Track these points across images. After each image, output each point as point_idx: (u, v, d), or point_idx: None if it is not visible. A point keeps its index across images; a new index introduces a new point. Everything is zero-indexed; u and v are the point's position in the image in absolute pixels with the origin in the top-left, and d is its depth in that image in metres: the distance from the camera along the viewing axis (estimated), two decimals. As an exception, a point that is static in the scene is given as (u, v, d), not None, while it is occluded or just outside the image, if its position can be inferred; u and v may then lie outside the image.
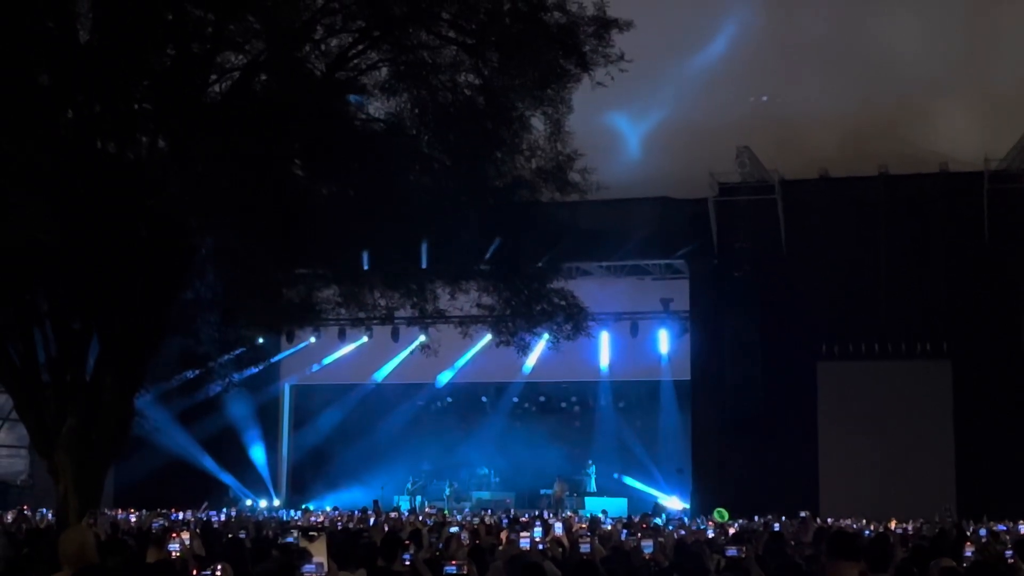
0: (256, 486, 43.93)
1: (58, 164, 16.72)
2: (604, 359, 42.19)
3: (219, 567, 8.72)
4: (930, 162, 38.02)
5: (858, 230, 37.95)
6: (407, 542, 13.52)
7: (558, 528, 17.23)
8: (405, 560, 11.96)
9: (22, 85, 16.88)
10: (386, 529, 20.99)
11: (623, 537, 19.21)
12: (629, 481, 42.53)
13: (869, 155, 38.63)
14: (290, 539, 12.18)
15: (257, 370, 32.08)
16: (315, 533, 7.17)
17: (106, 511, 26.61)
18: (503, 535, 18.50)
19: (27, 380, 19.02)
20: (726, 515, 33.62)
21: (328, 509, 35.81)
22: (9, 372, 19.24)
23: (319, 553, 7.10)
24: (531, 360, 35.77)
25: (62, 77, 17.42)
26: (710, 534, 21.84)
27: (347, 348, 43.82)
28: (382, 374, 44.25)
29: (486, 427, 44.43)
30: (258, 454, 44.08)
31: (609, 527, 23.87)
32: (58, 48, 17.25)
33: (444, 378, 43.33)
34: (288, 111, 17.63)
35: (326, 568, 7.23)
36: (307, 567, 7.52)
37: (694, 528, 25.75)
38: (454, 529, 18.44)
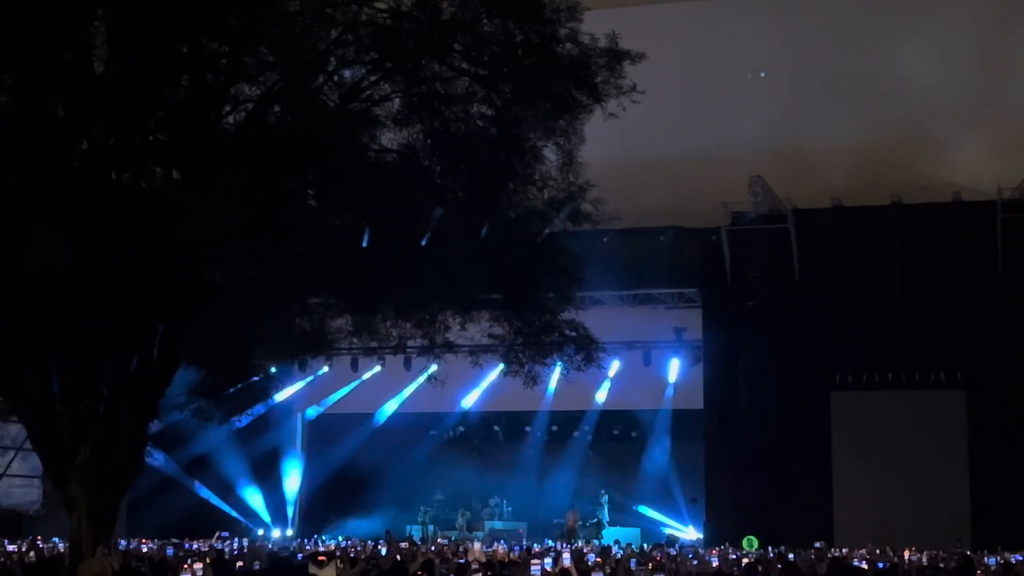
0: (269, 516, 43.94)
1: (73, 195, 16.80)
2: (615, 389, 42.12)
3: None
4: (943, 191, 38.02)
5: (871, 259, 37.94)
6: (420, 572, 13.50)
7: (567, 559, 17.16)
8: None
9: (39, 116, 16.98)
10: (398, 559, 20.95)
11: (632, 566, 19.14)
12: (643, 510, 42.40)
13: (882, 184, 38.64)
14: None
15: (271, 400, 32.09)
16: (323, 558, 7.15)
17: (120, 541, 26.63)
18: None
19: (41, 410, 19.04)
20: (756, 543, 33.50)
21: (340, 539, 35.75)
22: (23, 402, 19.28)
23: None
24: (551, 387, 35.68)
25: (78, 108, 17.52)
26: (715, 563, 21.76)
27: (361, 378, 43.85)
28: (388, 409, 44.31)
29: (498, 456, 44.36)
30: (271, 484, 44.08)
31: (619, 557, 23.80)
32: (74, 80, 17.35)
33: (466, 404, 43.25)
34: (302, 142, 17.71)
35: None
36: None
37: (707, 558, 25.66)
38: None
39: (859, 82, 42.34)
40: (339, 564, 10.74)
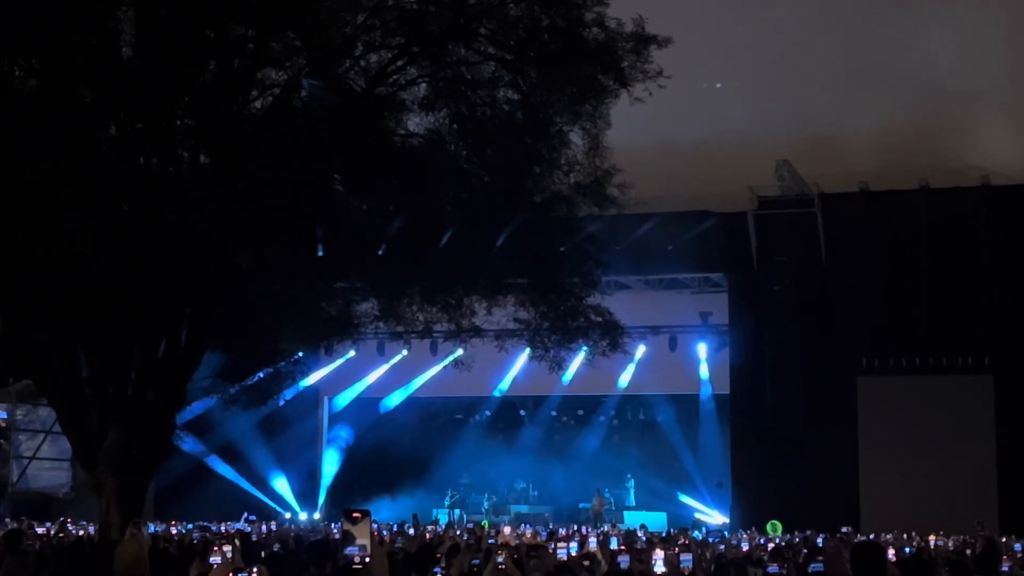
0: (296, 500, 44.11)
1: (100, 181, 16.87)
2: (641, 374, 42.07)
3: (255, 569, 8.68)
4: (971, 176, 37.77)
5: (898, 244, 37.76)
6: (438, 555, 13.51)
7: (592, 543, 17.16)
8: (436, 573, 11.97)
9: (66, 101, 17.05)
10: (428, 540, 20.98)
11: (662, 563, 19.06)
12: (670, 494, 42.35)
13: (909, 168, 38.41)
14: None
15: (297, 384, 32.14)
16: (359, 514, 7.17)
17: (149, 524, 26.79)
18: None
19: (70, 394, 19.17)
20: (780, 527, 33.44)
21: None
22: (52, 386, 19.41)
23: (362, 535, 7.12)
24: (569, 372, 35.64)
25: (105, 93, 17.58)
26: (744, 547, 21.75)
27: (388, 363, 43.96)
28: (414, 395, 44.35)
29: (525, 440, 44.40)
30: (298, 468, 44.22)
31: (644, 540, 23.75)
32: (101, 64, 17.41)
33: (492, 389, 43.21)
34: (328, 127, 17.74)
35: (369, 550, 7.26)
36: (350, 549, 7.47)
37: (734, 542, 25.64)
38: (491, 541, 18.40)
39: (887, 66, 42.12)
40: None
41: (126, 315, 18.53)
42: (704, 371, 41.70)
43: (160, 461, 19.87)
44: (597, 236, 21.10)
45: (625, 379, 42.02)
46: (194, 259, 18.01)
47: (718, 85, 43.29)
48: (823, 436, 37.52)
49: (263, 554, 17.39)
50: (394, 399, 44.87)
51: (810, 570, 10.03)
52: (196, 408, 29.05)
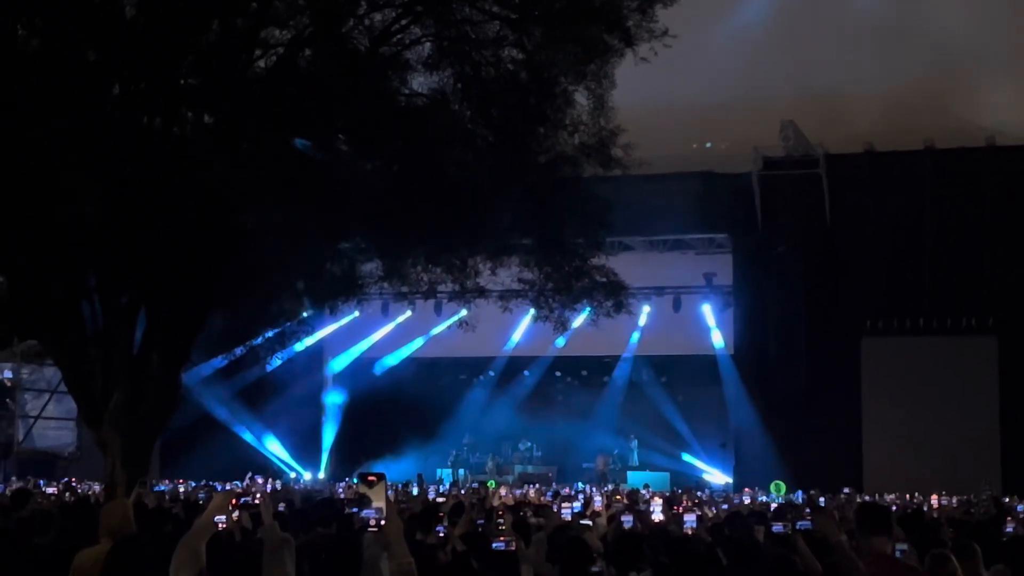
0: (300, 459, 44.26)
1: (105, 140, 16.85)
2: (645, 334, 42.12)
3: (258, 495, 8.66)
4: (976, 136, 37.69)
5: (903, 204, 37.72)
6: (440, 514, 13.53)
7: (598, 501, 17.22)
8: (439, 532, 12.00)
9: (69, 61, 17.00)
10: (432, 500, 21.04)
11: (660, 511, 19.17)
12: (674, 454, 42.46)
13: (915, 129, 38.34)
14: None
15: (301, 344, 32.19)
16: (374, 478, 7.12)
17: (154, 482, 26.90)
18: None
19: (75, 354, 19.18)
20: (783, 488, 33.56)
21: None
22: (58, 346, 19.42)
23: (378, 498, 7.10)
24: (572, 333, 35.63)
25: (108, 53, 17.52)
26: (746, 499, 21.86)
27: (392, 323, 44.05)
28: (419, 354, 44.44)
29: (529, 401, 44.48)
30: (302, 428, 44.34)
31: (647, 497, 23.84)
32: (104, 24, 17.34)
33: (496, 349, 43.21)
34: (332, 86, 17.69)
35: (385, 512, 7.25)
36: (366, 511, 7.43)
37: (736, 502, 25.76)
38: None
39: (892, 26, 41.95)
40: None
41: (131, 275, 18.53)
42: (716, 335, 41.61)
43: (166, 420, 19.90)
44: (601, 197, 21.00)
45: (630, 340, 42.05)
46: (199, 219, 17.98)
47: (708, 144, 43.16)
48: (827, 397, 37.60)
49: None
50: (397, 359, 44.98)
51: (798, 526, 10.03)
52: (204, 368, 29.18)
